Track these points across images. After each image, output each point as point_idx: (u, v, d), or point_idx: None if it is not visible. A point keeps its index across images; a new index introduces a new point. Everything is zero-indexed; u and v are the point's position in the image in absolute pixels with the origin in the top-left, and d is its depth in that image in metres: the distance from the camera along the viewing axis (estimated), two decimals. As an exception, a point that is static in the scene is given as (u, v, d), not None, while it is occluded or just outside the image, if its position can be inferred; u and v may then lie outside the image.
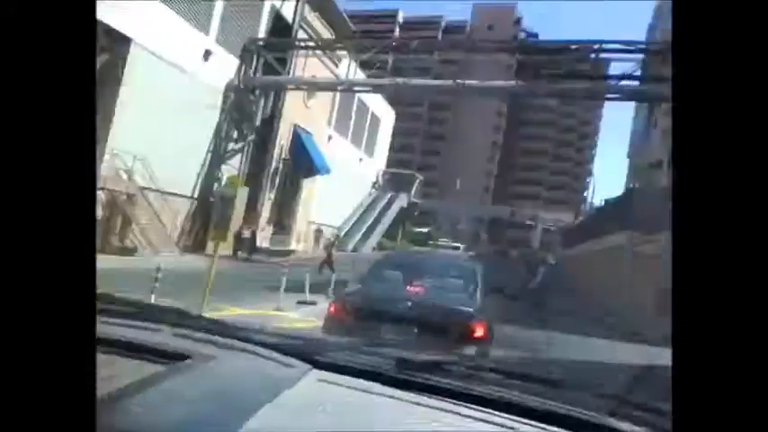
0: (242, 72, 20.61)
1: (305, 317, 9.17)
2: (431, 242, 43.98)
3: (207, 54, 18.53)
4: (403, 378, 1.08)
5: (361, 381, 1.04)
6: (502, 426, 0.92)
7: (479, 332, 5.02)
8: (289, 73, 21.33)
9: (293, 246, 24.12)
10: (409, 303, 5.23)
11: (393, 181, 40.39)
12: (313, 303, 10.33)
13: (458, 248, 41.47)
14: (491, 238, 59.80)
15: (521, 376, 1.39)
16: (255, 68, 20.97)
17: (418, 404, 0.97)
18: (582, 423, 0.93)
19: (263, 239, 22.27)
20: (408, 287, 5.64)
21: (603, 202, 26.83)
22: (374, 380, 1.05)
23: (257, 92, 21.26)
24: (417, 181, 43.34)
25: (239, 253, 19.23)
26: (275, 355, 1.13)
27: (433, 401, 0.97)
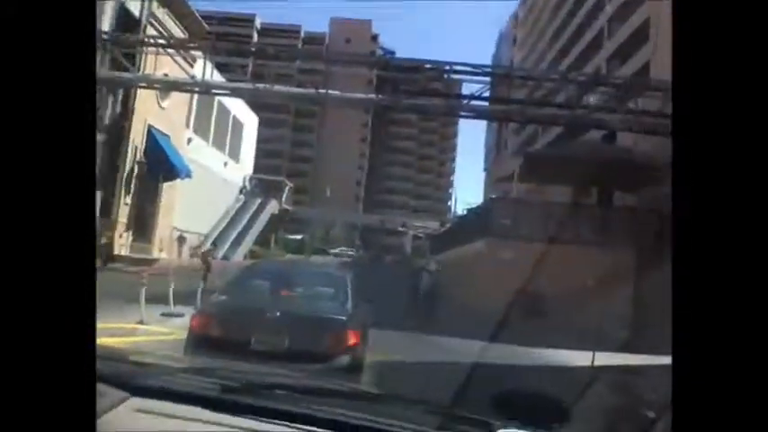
0: (84, 66, 18.93)
1: (171, 329, 8.63)
2: (331, 251, 43.22)
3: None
4: (230, 401, 1.03)
5: (183, 407, 0.97)
6: None
7: (352, 340, 4.99)
8: (139, 70, 20.10)
9: (156, 254, 22.54)
10: (278, 313, 5.06)
11: (262, 187, 39.38)
12: (180, 315, 9.73)
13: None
14: (365, 245, 60.83)
15: (349, 394, 1.43)
16: (101, 64, 19.44)
17: (241, 428, 0.93)
18: None
19: (122, 247, 20.59)
20: (277, 296, 5.50)
21: (465, 211, 28.67)
22: (198, 404, 0.98)
23: (104, 89, 19.68)
24: (287, 187, 42.75)
25: (98, 262, 17.56)
26: None
27: (259, 424, 0.94)
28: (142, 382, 1.07)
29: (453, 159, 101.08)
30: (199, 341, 4.98)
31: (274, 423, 0.94)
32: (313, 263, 20.94)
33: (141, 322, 8.73)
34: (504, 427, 0.97)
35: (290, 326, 4.93)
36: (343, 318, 5.24)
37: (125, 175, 21.39)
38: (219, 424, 0.92)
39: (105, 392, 0.95)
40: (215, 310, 5.36)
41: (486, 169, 60.59)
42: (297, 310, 5.24)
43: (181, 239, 25.19)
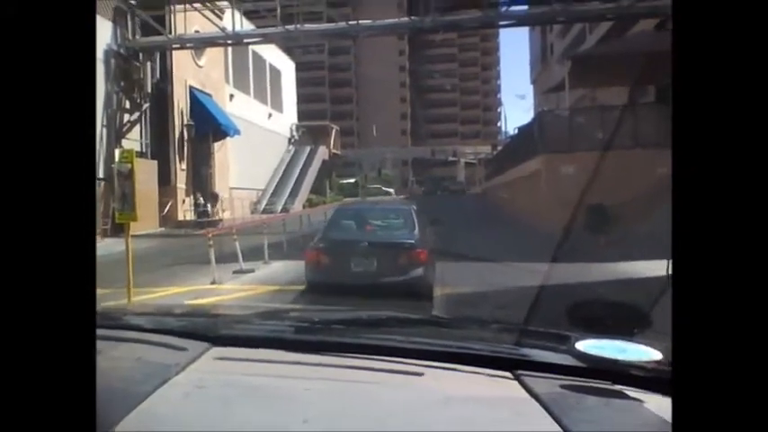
0: (119, 36, 19.23)
1: (245, 286, 8.94)
2: (385, 189, 44.32)
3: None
4: (304, 340, 1.07)
5: (262, 351, 1.00)
6: (407, 372, 0.89)
7: (422, 257, 6.57)
8: (170, 31, 20.11)
9: (220, 214, 23.32)
10: (366, 243, 6.77)
11: (309, 134, 39.53)
12: (250, 271, 10.09)
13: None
14: (418, 179, 60.66)
15: (419, 322, 1.44)
16: (133, 30, 19.61)
17: (321, 365, 0.94)
18: (487, 358, 0.93)
19: (185, 212, 21.38)
20: (363, 230, 7.39)
21: (516, 130, 27.71)
22: (273, 347, 1.01)
23: (141, 56, 19.92)
24: (334, 131, 42.72)
25: (164, 229, 18.41)
26: (168, 338, 1.07)
27: (336, 359, 0.96)
28: (220, 332, 1.13)
29: (498, 76, 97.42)
30: (314, 269, 6.84)
31: (349, 356, 0.96)
32: (382, 202, 21.65)
33: (214, 282, 9.07)
34: (584, 339, 0.93)
35: (376, 251, 6.58)
36: (413, 241, 6.87)
37: (176, 140, 21.86)
38: (296, 362, 0.95)
39: (188, 345, 1.01)
40: (322, 245, 7.08)
41: (533, 81, 58.00)
42: (379, 240, 7.01)
43: (214, 196, 25.03)
